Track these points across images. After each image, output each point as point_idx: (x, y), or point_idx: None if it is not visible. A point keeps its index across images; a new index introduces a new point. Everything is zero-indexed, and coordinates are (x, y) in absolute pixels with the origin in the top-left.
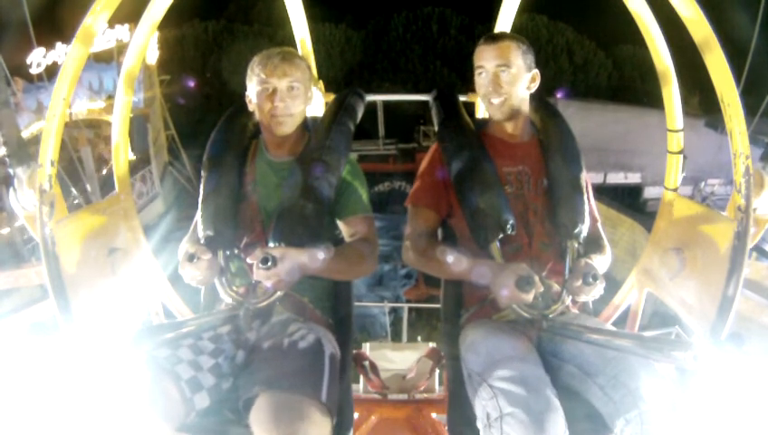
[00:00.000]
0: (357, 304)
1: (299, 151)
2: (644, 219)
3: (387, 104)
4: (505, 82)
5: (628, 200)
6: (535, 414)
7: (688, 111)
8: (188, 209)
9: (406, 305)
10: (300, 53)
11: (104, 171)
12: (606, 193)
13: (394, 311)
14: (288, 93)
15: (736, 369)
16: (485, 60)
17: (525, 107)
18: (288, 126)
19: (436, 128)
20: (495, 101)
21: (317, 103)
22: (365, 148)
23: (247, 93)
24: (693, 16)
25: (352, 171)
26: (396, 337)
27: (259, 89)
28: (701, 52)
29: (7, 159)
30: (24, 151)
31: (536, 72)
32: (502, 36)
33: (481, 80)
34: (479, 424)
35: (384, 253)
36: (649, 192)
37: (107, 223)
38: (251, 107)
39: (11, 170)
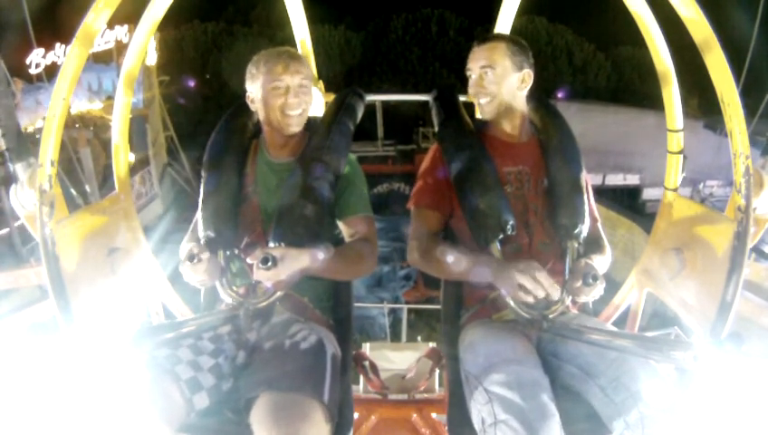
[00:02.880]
0: (356, 305)
1: (299, 152)
2: (643, 221)
3: (386, 106)
4: (489, 82)
5: (627, 202)
6: (529, 423)
7: (687, 112)
8: (187, 210)
9: (405, 307)
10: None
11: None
12: (605, 194)
13: (393, 312)
14: (300, 90)
15: (736, 369)
16: (472, 61)
17: (519, 106)
18: (298, 124)
19: (435, 128)
20: (482, 101)
21: (317, 103)
22: (364, 149)
23: (248, 93)
24: (693, 16)
25: (352, 171)
26: (395, 339)
27: (270, 87)
28: (701, 52)
29: (6, 152)
30: (24, 146)
31: (527, 71)
32: (491, 38)
33: (470, 81)
34: (476, 427)
35: (383, 254)
36: (648, 193)
37: (107, 223)
38: (253, 107)
39: (10, 165)
